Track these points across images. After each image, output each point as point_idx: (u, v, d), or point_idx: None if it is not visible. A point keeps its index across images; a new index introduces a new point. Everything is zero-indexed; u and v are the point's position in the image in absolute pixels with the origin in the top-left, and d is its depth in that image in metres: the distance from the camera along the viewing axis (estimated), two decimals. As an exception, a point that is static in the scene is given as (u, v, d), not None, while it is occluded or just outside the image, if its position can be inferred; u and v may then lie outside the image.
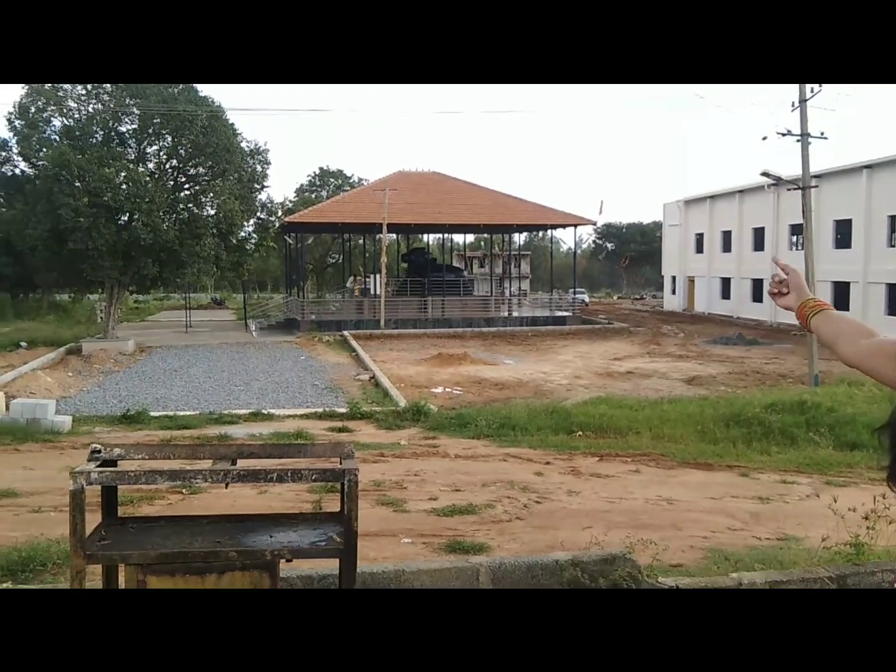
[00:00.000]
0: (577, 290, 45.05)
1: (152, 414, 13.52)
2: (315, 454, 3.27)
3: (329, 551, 2.98)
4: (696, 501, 7.84)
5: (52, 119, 27.39)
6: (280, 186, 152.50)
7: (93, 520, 3.16)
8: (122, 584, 3.03)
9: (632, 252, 76.02)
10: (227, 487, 3.22)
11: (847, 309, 34.14)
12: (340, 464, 3.06)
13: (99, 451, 2.99)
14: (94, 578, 3.56)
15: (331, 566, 4.08)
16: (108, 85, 26.89)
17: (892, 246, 31.56)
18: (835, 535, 5.15)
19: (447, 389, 18.88)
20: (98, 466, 2.92)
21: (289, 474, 2.88)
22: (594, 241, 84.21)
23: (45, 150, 26.36)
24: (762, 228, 41.28)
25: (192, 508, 7.10)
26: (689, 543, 6.15)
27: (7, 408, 12.37)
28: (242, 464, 3.22)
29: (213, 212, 28.31)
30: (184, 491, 7.62)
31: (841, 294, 34.78)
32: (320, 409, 14.35)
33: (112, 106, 27.24)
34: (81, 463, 3.04)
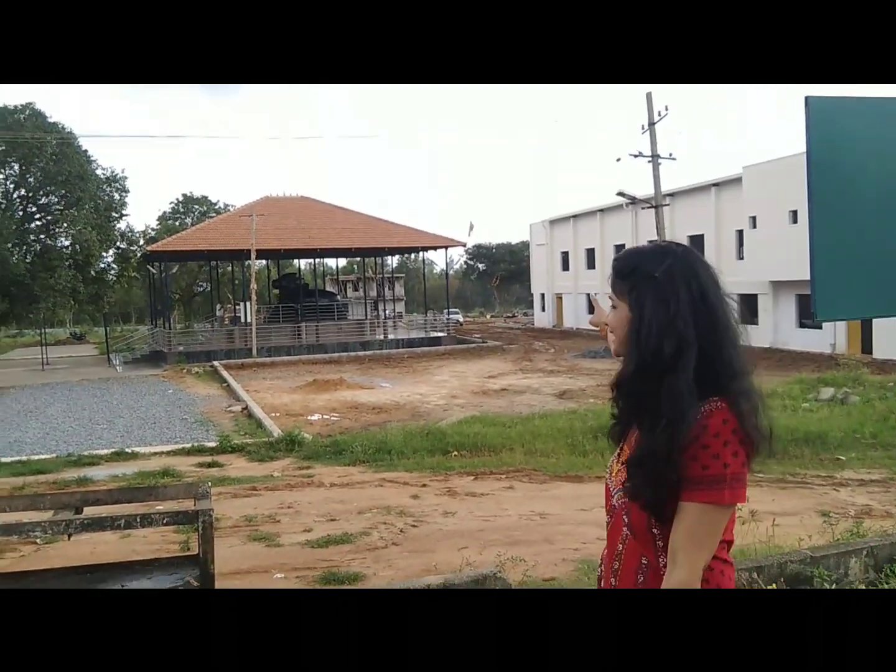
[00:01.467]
0: (450, 310, 45.56)
1: (3, 460, 12.62)
2: (168, 496, 3.12)
3: (184, 598, 2.85)
4: (567, 514, 8.03)
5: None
6: (141, 215, 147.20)
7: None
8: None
9: (502, 272, 77.78)
10: (69, 539, 3.02)
11: (703, 319, 36.12)
12: (195, 505, 2.94)
13: (-78, 510, 2.74)
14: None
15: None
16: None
17: (741, 259, 33.65)
18: (694, 538, 5.38)
19: (323, 416, 18.60)
20: (-79, 526, 2.68)
21: (138, 520, 2.74)
22: (466, 262, 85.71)
23: None
24: (623, 245, 43.15)
25: (47, 559, 6.66)
26: (561, 556, 6.29)
27: None
28: (90, 511, 3.04)
29: (67, 242, 27.00)
30: (37, 541, 7.13)
31: (697, 305, 36.78)
32: (189, 445, 13.81)
33: (-50, 133, 25.54)
34: None
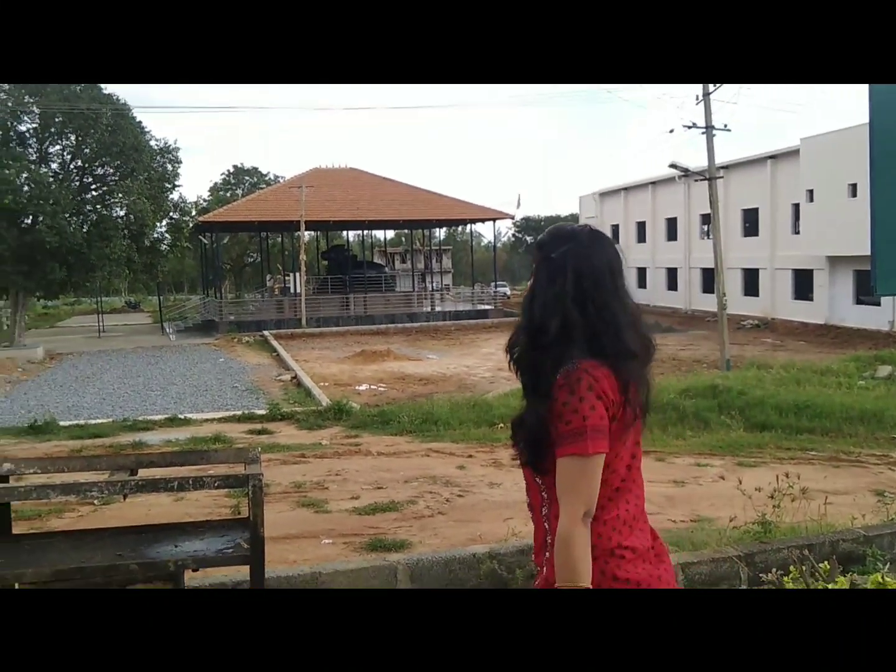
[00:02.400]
0: (498, 283, 45.43)
1: (62, 423, 13.01)
2: (219, 460, 3.19)
3: (236, 558, 2.91)
4: (613, 487, 7.97)
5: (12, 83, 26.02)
6: (193, 186, 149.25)
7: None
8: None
9: (551, 244, 76.95)
10: (124, 499, 3.11)
11: (756, 295, 35.40)
12: (245, 469, 2.99)
13: (-14, 467, 2.84)
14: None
15: (245, 573, 3.99)
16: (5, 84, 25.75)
17: (797, 233, 32.83)
18: (743, 514, 5.32)
19: (371, 387, 18.79)
20: (-14, 483, 2.78)
21: (190, 482, 2.80)
22: (514, 235, 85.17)
23: (-63, 152, 25.09)
24: (675, 218, 42.41)
25: (103, 519, 6.87)
26: (606, 529, 6.25)
27: None
28: (144, 473, 3.12)
29: (122, 213, 27.46)
30: (95, 502, 7.36)
31: (750, 280, 36.01)
32: (240, 412, 14.07)
33: (10, 105, 26.07)
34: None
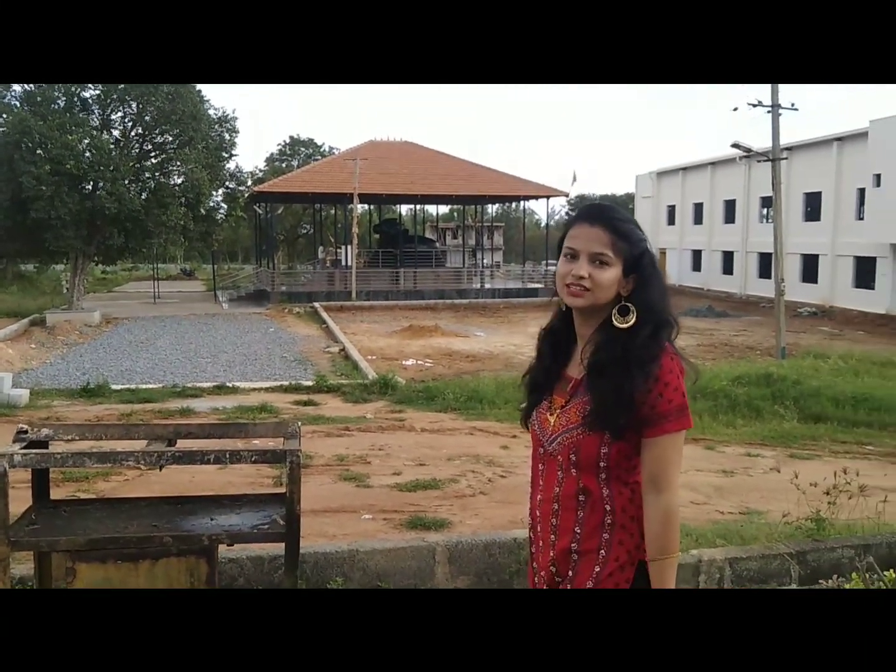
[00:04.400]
0: (549, 261, 44.97)
1: (114, 387, 13.23)
2: (258, 434, 3.14)
3: (270, 535, 2.86)
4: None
5: (11, 84, 26.57)
6: (249, 156, 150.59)
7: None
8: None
9: (605, 224, 75.87)
10: (160, 470, 3.08)
11: (815, 282, 34.43)
12: (283, 444, 2.94)
13: (26, 432, 2.83)
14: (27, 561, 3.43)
15: (283, 548, 3.97)
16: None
17: (861, 219, 31.79)
18: (796, 509, 5.13)
19: (418, 362, 18.77)
20: (25, 448, 2.76)
21: (227, 455, 2.75)
22: (567, 213, 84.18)
23: (4, 115, 25.59)
24: (733, 201, 41.43)
25: (148, 485, 6.97)
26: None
27: (-38, 381, 12.04)
28: (183, 444, 3.09)
29: (179, 181, 27.72)
30: (142, 466, 7.44)
31: (810, 267, 35.04)
32: (287, 382, 14.16)
33: (73, 71, 26.46)
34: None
